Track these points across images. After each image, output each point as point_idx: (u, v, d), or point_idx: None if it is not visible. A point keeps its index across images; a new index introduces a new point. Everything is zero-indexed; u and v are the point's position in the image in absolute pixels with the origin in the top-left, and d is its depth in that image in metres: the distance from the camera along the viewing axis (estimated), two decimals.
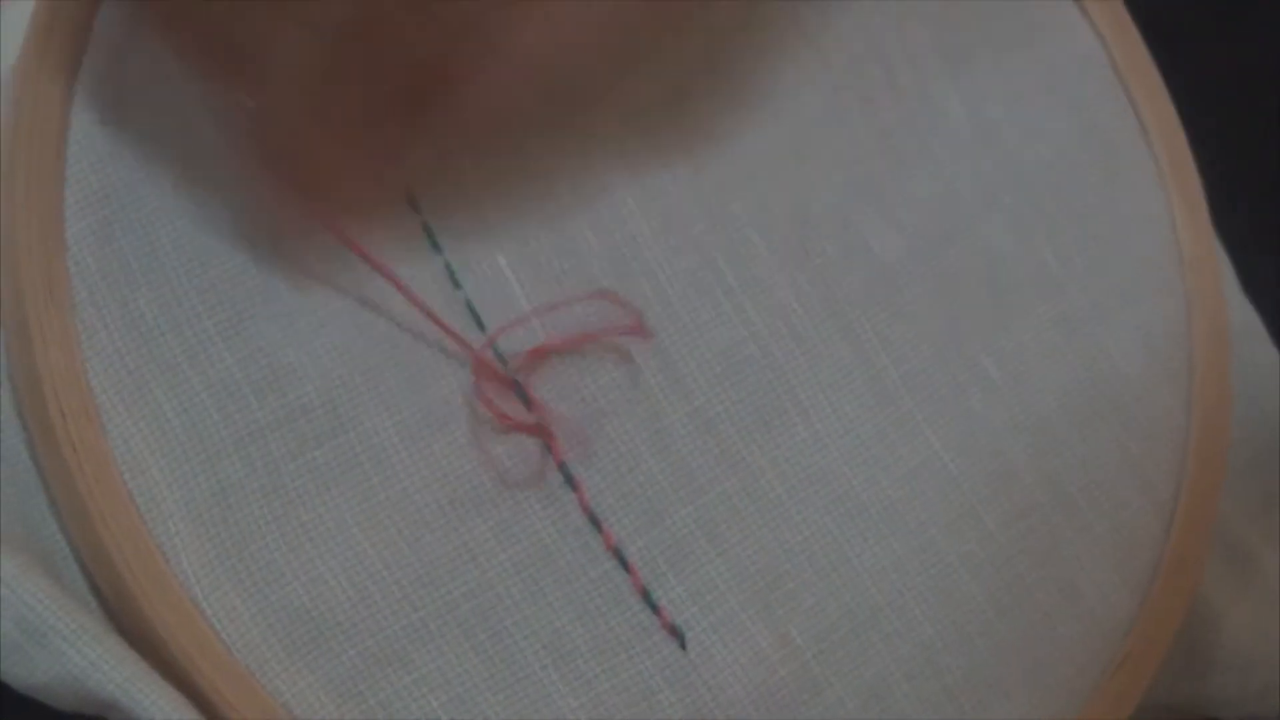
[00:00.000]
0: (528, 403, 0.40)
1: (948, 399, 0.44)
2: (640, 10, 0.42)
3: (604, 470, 0.41)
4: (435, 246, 0.41)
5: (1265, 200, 0.59)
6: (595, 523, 0.40)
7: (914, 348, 0.44)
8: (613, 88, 0.43)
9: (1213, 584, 0.50)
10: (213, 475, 0.38)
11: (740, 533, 0.41)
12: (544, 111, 0.42)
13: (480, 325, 0.41)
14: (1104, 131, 0.47)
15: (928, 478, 0.43)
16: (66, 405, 0.37)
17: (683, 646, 0.40)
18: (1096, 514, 0.44)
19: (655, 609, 0.40)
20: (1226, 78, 0.58)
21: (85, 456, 0.37)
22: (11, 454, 0.39)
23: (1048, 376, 0.45)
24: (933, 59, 0.46)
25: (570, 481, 0.40)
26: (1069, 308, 0.46)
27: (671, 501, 0.41)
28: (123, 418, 0.38)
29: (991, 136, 0.46)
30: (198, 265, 0.39)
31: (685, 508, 0.41)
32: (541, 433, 0.40)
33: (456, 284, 0.41)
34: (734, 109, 0.44)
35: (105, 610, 0.38)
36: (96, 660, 0.36)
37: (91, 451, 0.37)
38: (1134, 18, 0.49)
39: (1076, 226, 0.46)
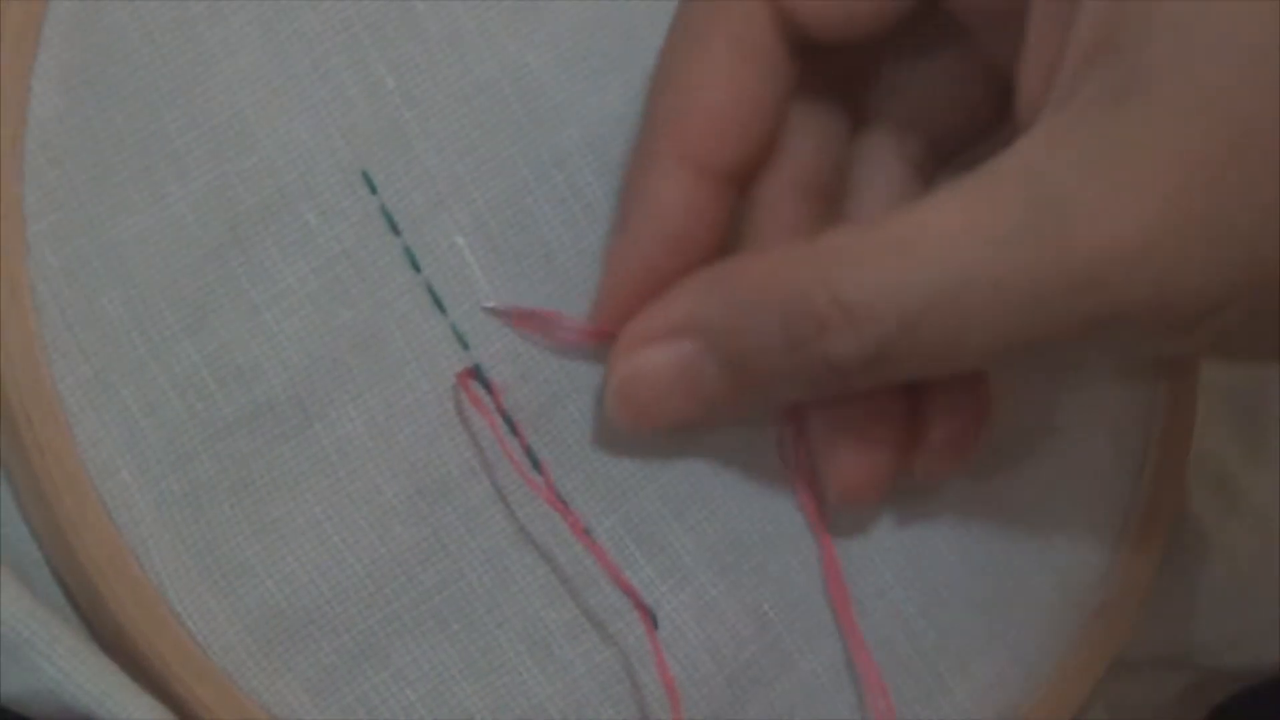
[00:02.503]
0: (489, 387, 0.40)
1: None
2: None
3: (568, 452, 0.40)
4: (394, 229, 0.41)
5: None
6: (561, 506, 0.40)
7: None
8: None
9: (1200, 523, 0.50)
10: (183, 476, 0.38)
11: (706, 508, 0.41)
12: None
13: (441, 308, 0.41)
14: None
15: None
16: (33, 410, 0.37)
17: (655, 626, 0.40)
18: (1065, 465, 0.44)
19: (626, 590, 0.40)
20: None
21: (53, 462, 0.37)
22: None
23: None
24: None
25: (536, 465, 0.40)
26: None
27: (636, 481, 0.41)
28: (90, 420, 0.37)
29: None
30: (160, 260, 0.39)
31: (650, 486, 0.41)
32: (507, 418, 0.40)
33: (416, 267, 0.40)
34: None
35: (79, 616, 0.38)
36: (72, 672, 0.36)
37: (60, 456, 0.37)
38: None
39: None
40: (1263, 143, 0.33)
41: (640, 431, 0.40)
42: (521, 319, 0.40)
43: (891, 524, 0.43)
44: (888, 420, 0.40)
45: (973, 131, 0.41)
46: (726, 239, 0.40)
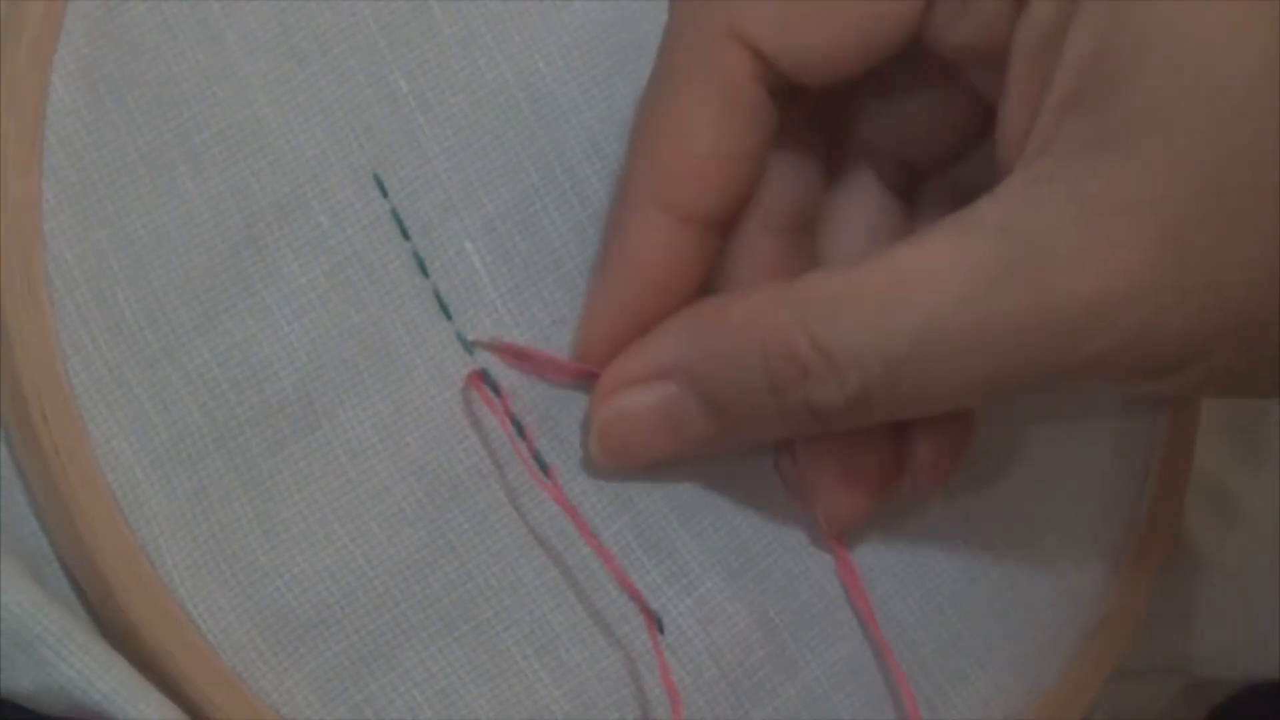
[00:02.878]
0: (497, 392, 0.40)
1: None
2: None
3: (575, 457, 0.41)
4: (404, 234, 0.41)
5: None
6: (569, 510, 0.40)
7: None
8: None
9: (1197, 535, 0.50)
10: (194, 474, 0.38)
11: (712, 514, 0.41)
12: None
13: (447, 314, 0.41)
14: None
15: None
16: (48, 406, 0.37)
17: (661, 630, 0.40)
18: (1066, 479, 0.44)
19: (632, 593, 0.40)
20: None
21: (68, 459, 0.37)
22: None
23: None
24: None
25: (544, 469, 0.40)
26: None
27: (643, 487, 0.41)
28: (104, 417, 0.38)
29: None
30: (175, 257, 0.39)
31: (657, 492, 0.41)
32: (515, 422, 0.40)
33: (424, 272, 0.41)
34: None
35: (89, 612, 0.38)
36: (83, 669, 0.36)
37: (74, 453, 0.37)
38: None
39: None
40: (1238, 195, 0.33)
41: (623, 469, 0.40)
42: (507, 353, 0.41)
43: (891, 536, 0.43)
44: (873, 446, 0.40)
45: (955, 153, 0.41)
46: (707, 282, 0.40)
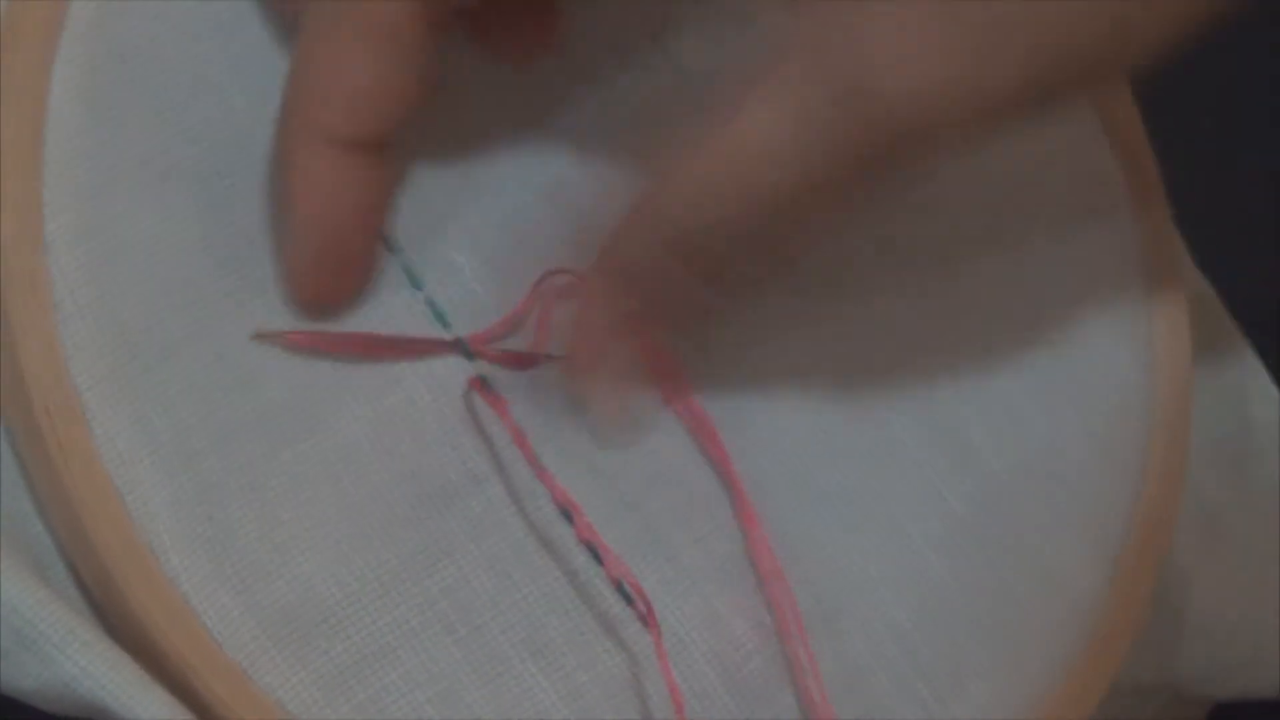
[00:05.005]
0: (494, 397, 0.41)
1: (907, 382, 0.44)
2: None
3: (570, 464, 0.41)
4: (391, 249, 0.41)
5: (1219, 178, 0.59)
6: (566, 515, 0.40)
7: (874, 334, 0.45)
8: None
9: (1184, 553, 0.50)
10: (196, 474, 0.38)
11: (709, 523, 0.42)
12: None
13: (445, 323, 0.41)
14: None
15: (888, 460, 0.44)
16: (52, 403, 0.37)
17: (658, 636, 0.40)
18: (1060, 488, 0.45)
19: (629, 599, 0.40)
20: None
21: (72, 455, 0.37)
22: None
23: (1007, 355, 0.45)
24: None
25: (541, 474, 0.40)
26: (1031, 290, 0.46)
27: (641, 494, 0.41)
28: (107, 416, 0.38)
29: None
30: (168, 265, 0.39)
31: (652, 501, 0.41)
32: (511, 426, 0.40)
33: (416, 285, 0.41)
34: None
35: (93, 609, 0.38)
36: (87, 666, 0.36)
37: (78, 450, 0.37)
38: None
39: (1039, 215, 0.47)
40: None
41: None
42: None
43: (890, 545, 0.43)
44: None
45: None
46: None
